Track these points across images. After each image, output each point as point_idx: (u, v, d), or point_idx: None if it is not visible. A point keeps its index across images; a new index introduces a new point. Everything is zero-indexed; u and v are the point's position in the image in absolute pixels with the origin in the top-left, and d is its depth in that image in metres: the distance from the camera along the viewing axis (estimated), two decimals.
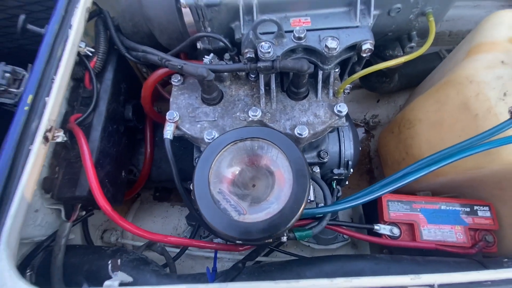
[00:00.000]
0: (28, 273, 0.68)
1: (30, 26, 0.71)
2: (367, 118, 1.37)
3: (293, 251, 1.15)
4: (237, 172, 0.46)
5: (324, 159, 0.88)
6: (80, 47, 0.74)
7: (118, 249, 0.77)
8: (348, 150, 0.95)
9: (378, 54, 0.91)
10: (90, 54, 0.79)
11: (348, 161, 0.94)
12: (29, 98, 0.59)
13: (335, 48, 0.59)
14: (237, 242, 0.59)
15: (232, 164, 0.46)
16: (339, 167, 0.96)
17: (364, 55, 0.62)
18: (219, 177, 0.45)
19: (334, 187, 0.98)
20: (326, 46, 0.59)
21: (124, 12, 0.74)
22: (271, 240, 0.53)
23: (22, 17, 0.70)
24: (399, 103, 1.37)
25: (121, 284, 0.50)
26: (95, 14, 0.82)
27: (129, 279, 0.55)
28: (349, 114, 1.43)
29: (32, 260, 0.71)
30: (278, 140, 0.45)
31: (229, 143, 0.46)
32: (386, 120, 1.36)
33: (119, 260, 0.58)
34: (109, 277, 0.55)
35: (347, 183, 1.06)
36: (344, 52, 0.63)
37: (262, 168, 0.47)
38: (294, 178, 0.42)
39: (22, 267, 0.66)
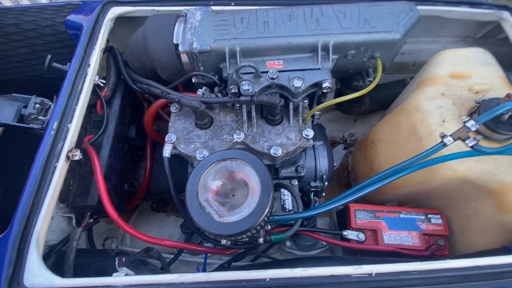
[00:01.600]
0: None
1: (54, 64, 0.87)
2: (345, 136, 1.53)
3: (278, 257, 1.26)
4: (220, 185, 0.60)
5: (301, 173, 1.02)
6: (95, 79, 0.89)
7: (121, 252, 0.90)
8: (323, 165, 1.09)
9: (346, 85, 1.08)
10: (102, 85, 0.94)
11: (323, 175, 1.08)
12: (55, 124, 0.73)
13: (300, 87, 0.74)
14: (221, 240, 0.72)
15: (216, 178, 0.60)
16: (315, 181, 1.09)
17: (325, 91, 0.78)
18: (206, 188, 0.58)
19: (312, 198, 1.12)
20: (293, 85, 0.75)
21: (132, 52, 0.90)
22: (248, 239, 0.67)
23: (49, 56, 0.85)
24: (374, 122, 1.53)
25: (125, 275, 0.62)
26: (107, 50, 0.98)
27: (132, 273, 0.68)
28: (329, 133, 1.59)
29: (46, 261, 0.82)
30: (251, 160, 0.59)
31: (214, 162, 0.60)
32: (362, 138, 1.51)
33: (124, 258, 0.71)
34: (116, 271, 0.67)
35: (323, 194, 1.19)
36: (309, 88, 0.79)
37: (239, 181, 0.62)
38: (261, 190, 0.56)
39: None
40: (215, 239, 0.84)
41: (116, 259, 0.68)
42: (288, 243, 1.20)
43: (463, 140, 0.71)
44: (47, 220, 0.65)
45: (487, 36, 1.27)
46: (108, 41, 1.09)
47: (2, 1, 2.24)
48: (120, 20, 1.01)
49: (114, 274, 0.63)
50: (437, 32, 1.26)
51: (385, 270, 0.60)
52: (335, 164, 1.13)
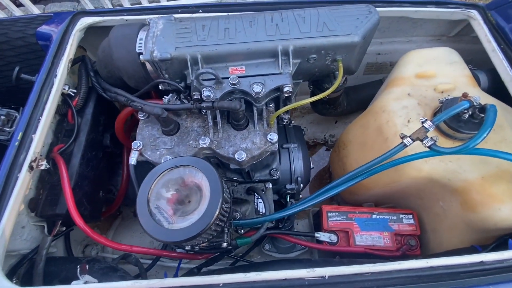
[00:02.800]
0: (14, 281, 0.81)
1: (23, 75, 0.88)
2: (327, 138, 1.53)
3: (257, 260, 1.27)
4: (173, 192, 0.61)
5: (274, 176, 1.03)
6: (64, 89, 0.90)
7: (93, 259, 0.90)
8: (298, 167, 1.09)
9: (318, 87, 1.08)
10: (73, 94, 0.95)
11: (298, 177, 1.09)
12: (19, 135, 0.75)
13: (260, 92, 0.75)
14: (185, 246, 0.73)
15: (169, 186, 0.61)
16: (291, 183, 1.10)
17: (286, 95, 0.79)
18: (158, 196, 0.59)
19: (288, 200, 1.12)
20: (253, 90, 0.76)
21: (100, 61, 0.91)
22: (203, 243, 0.67)
23: (16, 68, 0.87)
24: None
25: (85, 283, 0.63)
26: (79, 60, 1.00)
27: (94, 280, 0.68)
28: (310, 134, 1.59)
29: (18, 269, 0.83)
30: (201, 166, 0.60)
31: (166, 169, 0.61)
32: None
33: (87, 266, 0.72)
34: (77, 279, 0.68)
35: (300, 196, 1.20)
36: (270, 93, 0.79)
37: (193, 188, 0.62)
38: (210, 195, 0.57)
39: (10, 276, 0.79)
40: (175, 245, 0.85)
41: (78, 266, 0.69)
42: (267, 246, 1.21)
43: (421, 141, 0.72)
44: (7, 231, 0.66)
45: (461, 34, 1.27)
46: (85, 50, 1.11)
47: None
48: (94, 29, 1.02)
49: (73, 282, 0.63)
50: (411, 32, 1.27)
51: (338, 273, 0.60)
52: (313, 166, 1.12)
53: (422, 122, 0.72)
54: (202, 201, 0.59)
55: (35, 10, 2.33)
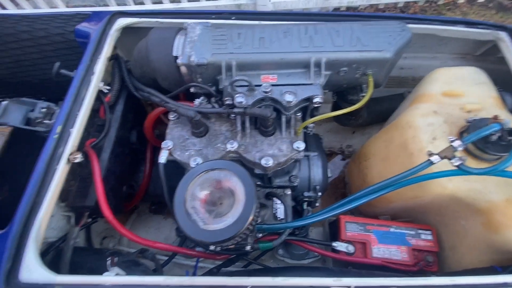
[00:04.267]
0: None
1: (62, 71, 0.92)
2: (343, 148, 1.54)
3: (271, 264, 1.28)
4: (207, 193, 0.63)
5: (294, 183, 1.04)
6: (99, 86, 0.94)
7: (115, 252, 0.93)
8: (317, 176, 1.11)
9: (342, 98, 1.10)
10: (106, 91, 0.99)
11: (316, 186, 1.10)
12: (58, 129, 0.78)
13: (291, 101, 0.77)
14: (210, 247, 0.75)
15: (204, 187, 0.63)
16: (308, 191, 1.11)
17: (316, 105, 0.81)
18: (193, 197, 0.61)
19: (305, 208, 1.13)
20: (285, 99, 0.78)
21: (136, 61, 0.95)
22: (233, 246, 0.69)
23: (57, 64, 0.91)
24: (372, 135, 1.54)
25: (116, 275, 0.66)
26: (112, 58, 1.03)
27: (123, 273, 0.71)
28: (327, 143, 1.61)
29: (44, 257, 0.86)
30: (237, 171, 0.62)
31: (202, 172, 0.63)
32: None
33: (116, 258, 0.74)
34: (107, 271, 0.70)
35: (317, 204, 1.21)
36: (300, 102, 0.81)
37: (227, 191, 0.64)
38: (245, 200, 0.59)
39: None
40: (203, 245, 0.87)
41: (108, 259, 0.71)
42: (280, 251, 1.22)
43: (449, 159, 0.73)
44: (46, 219, 0.69)
45: (487, 54, 1.28)
46: (116, 48, 1.15)
47: (25, 6, 2.37)
48: (127, 30, 1.06)
49: (105, 273, 0.66)
50: (436, 49, 1.28)
51: (364, 284, 0.61)
52: (330, 175, 1.14)
53: (451, 141, 0.73)
54: (236, 204, 0.61)
55: (59, 2, 2.40)
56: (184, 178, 0.62)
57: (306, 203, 1.15)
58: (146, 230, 1.38)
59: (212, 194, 0.64)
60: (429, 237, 0.97)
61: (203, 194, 0.63)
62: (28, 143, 1.25)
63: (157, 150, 1.23)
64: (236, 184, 0.62)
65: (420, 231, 0.98)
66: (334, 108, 1.21)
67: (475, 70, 0.98)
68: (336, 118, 1.36)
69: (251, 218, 0.57)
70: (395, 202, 1.03)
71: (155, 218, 1.44)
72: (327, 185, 1.19)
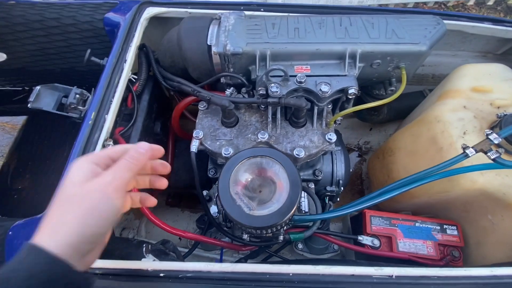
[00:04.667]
0: None
1: (93, 58, 0.92)
2: (360, 144, 1.54)
3: (289, 258, 1.28)
4: (249, 180, 0.63)
5: (318, 177, 1.04)
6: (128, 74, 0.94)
7: (142, 241, 0.93)
8: (340, 170, 1.11)
9: (367, 93, 1.10)
10: (134, 80, 0.98)
11: (339, 180, 1.10)
12: (93, 115, 0.78)
13: (327, 92, 0.77)
14: (243, 235, 0.75)
15: (246, 173, 0.63)
16: (331, 185, 1.11)
17: (350, 97, 0.81)
18: (236, 182, 0.61)
19: (327, 202, 1.13)
20: (320, 89, 0.78)
21: (165, 51, 0.95)
22: (271, 234, 0.69)
23: (88, 50, 0.91)
24: (389, 132, 1.55)
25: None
26: (140, 48, 1.03)
27: (157, 260, 0.71)
28: (344, 140, 1.61)
29: None
30: (280, 159, 0.62)
31: (245, 158, 0.63)
32: (377, 146, 1.53)
33: (150, 245, 0.74)
34: (143, 257, 0.70)
35: (338, 199, 1.21)
36: (334, 94, 0.81)
37: (267, 178, 0.64)
38: (290, 187, 0.59)
39: None
40: (234, 234, 0.87)
41: (143, 245, 0.71)
42: (300, 246, 1.22)
43: (485, 153, 0.73)
44: None
45: (508, 53, 1.28)
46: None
47: None
48: (152, 20, 1.06)
49: (143, 259, 0.66)
50: (458, 46, 1.28)
51: (405, 273, 0.62)
52: (352, 170, 1.14)
53: (487, 135, 0.73)
54: (278, 191, 0.61)
55: None
56: (227, 163, 0.62)
57: (327, 197, 1.15)
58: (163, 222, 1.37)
59: (253, 181, 0.64)
60: (455, 232, 0.97)
61: (245, 180, 0.63)
62: (48, 132, 1.25)
63: (178, 141, 1.24)
64: (278, 171, 0.62)
65: (445, 226, 0.98)
66: (357, 104, 1.21)
67: (503, 66, 0.98)
68: (358, 113, 1.36)
69: (297, 204, 0.57)
70: (419, 197, 1.03)
71: (171, 211, 1.44)
72: (349, 180, 1.20)
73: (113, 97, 0.81)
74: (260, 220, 0.56)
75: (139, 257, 0.72)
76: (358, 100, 1.20)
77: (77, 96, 0.80)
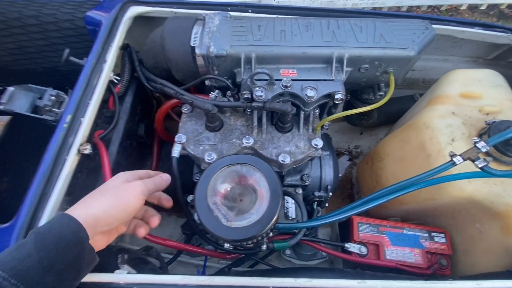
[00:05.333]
0: None
1: (72, 58, 0.88)
2: (351, 148, 1.53)
3: (276, 264, 1.25)
4: (228, 189, 0.61)
5: (306, 182, 1.02)
6: (109, 76, 0.90)
7: (122, 249, 0.89)
8: (328, 175, 1.09)
9: (357, 97, 1.08)
10: (116, 81, 0.95)
11: (327, 186, 1.08)
12: (68, 118, 0.74)
13: (313, 97, 0.75)
14: (225, 245, 0.72)
15: (225, 182, 0.60)
16: (319, 190, 1.09)
17: (337, 102, 0.78)
18: (214, 192, 0.59)
19: (315, 208, 1.11)
20: (306, 94, 0.75)
21: (149, 51, 0.91)
22: (252, 245, 0.67)
23: (67, 50, 0.87)
24: (380, 136, 1.53)
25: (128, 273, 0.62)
26: (123, 48, 0.99)
27: (134, 272, 0.67)
28: (334, 143, 1.59)
29: None
30: (261, 166, 0.59)
31: (224, 166, 0.60)
32: (367, 150, 1.51)
33: (126, 255, 0.71)
34: (117, 268, 0.67)
35: (327, 205, 1.19)
36: (321, 99, 0.79)
37: (248, 187, 0.62)
38: (270, 196, 0.56)
39: None
40: (218, 242, 0.84)
41: (119, 256, 0.68)
42: (288, 252, 1.19)
43: (473, 161, 0.71)
44: (54, 213, 0.65)
45: (499, 58, 1.28)
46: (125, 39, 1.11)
47: None
48: (137, 19, 1.02)
49: (117, 271, 0.63)
50: (449, 51, 1.27)
51: (390, 287, 0.59)
52: (340, 175, 1.12)
53: (475, 143, 0.72)
54: (258, 201, 0.59)
55: None
56: (205, 172, 0.59)
57: (316, 203, 1.13)
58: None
59: (233, 190, 0.61)
60: (443, 240, 0.96)
61: (224, 189, 0.60)
62: (30, 133, 1.20)
63: (163, 145, 1.20)
64: (259, 180, 0.60)
65: (433, 234, 0.97)
66: (347, 107, 1.19)
67: (493, 72, 0.98)
68: (347, 118, 1.35)
69: (277, 215, 0.55)
70: (407, 204, 1.01)
71: None
72: (337, 185, 1.18)
73: (90, 99, 0.78)
74: (237, 232, 0.53)
75: (115, 267, 0.69)
76: (348, 105, 1.19)
77: (52, 97, 0.77)
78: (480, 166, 0.71)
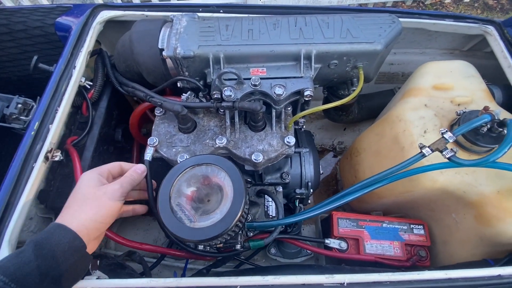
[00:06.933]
0: None
1: (41, 65, 0.87)
2: (335, 144, 1.53)
3: (263, 264, 1.25)
4: (194, 190, 0.60)
5: (285, 180, 1.02)
6: (80, 81, 0.89)
7: (100, 255, 0.88)
8: (309, 172, 1.09)
9: (333, 93, 1.09)
10: (88, 87, 0.94)
11: (308, 182, 1.08)
12: (36, 125, 0.74)
13: (281, 94, 0.75)
14: (198, 246, 0.72)
15: (190, 183, 0.60)
16: (300, 188, 1.09)
17: (306, 99, 0.79)
18: (179, 193, 0.58)
19: (297, 205, 1.11)
20: (274, 92, 0.76)
21: (119, 55, 0.91)
22: (221, 244, 0.66)
23: (35, 58, 0.86)
24: (363, 131, 1.54)
25: (97, 279, 0.62)
26: (96, 53, 0.99)
27: (105, 277, 0.67)
28: (318, 140, 1.60)
29: None
30: (225, 166, 0.59)
31: (188, 167, 0.60)
32: None
33: (98, 261, 0.70)
34: (88, 274, 0.66)
35: (309, 202, 1.19)
36: (290, 96, 0.79)
37: (214, 187, 0.62)
38: (233, 195, 0.56)
39: None
40: (190, 245, 0.84)
41: (91, 262, 0.67)
42: (272, 250, 1.20)
43: (441, 151, 0.72)
44: (20, 221, 0.65)
45: (474, 49, 1.29)
46: (99, 43, 1.11)
47: (3, 1, 2.28)
48: (111, 23, 1.02)
49: (86, 277, 0.62)
50: (425, 44, 1.28)
51: (357, 280, 0.60)
52: (322, 172, 1.12)
53: (443, 133, 0.72)
54: (224, 201, 0.58)
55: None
56: (169, 173, 0.59)
57: (298, 200, 1.13)
58: (134, 231, 1.33)
59: (199, 190, 0.61)
60: (422, 232, 0.96)
61: (189, 190, 0.60)
62: (4, 141, 1.19)
63: (143, 148, 1.20)
64: (224, 179, 0.60)
65: (412, 226, 0.97)
66: (326, 103, 1.20)
67: (464, 63, 0.98)
68: (327, 114, 1.35)
69: (239, 214, 0.55)
70: (385, 198, 1.02)
71: (143, 219, 1.40)
72: (319, 181, 1.18)
73: (59, 105, 0.77)
74: (199, 232, 0.53)
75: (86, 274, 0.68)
76: (326, 101, 1.19)
77: (19, 105, 0.76)
78: (447, 156, 0.71)
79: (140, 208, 0.74)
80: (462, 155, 0.81)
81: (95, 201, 0.57)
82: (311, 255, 1.22)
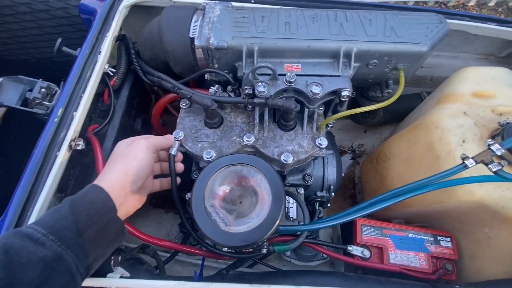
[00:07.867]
0: None
1: (64, 48, 0.84)
2: (354, 147, 1.49)
3: (276, 265, 1.23)
4: (227, 190, 0.57)
5: (308, 182, 0.98)
6: (104, 68, 0.86)
7: (117, 248, 0.86)
8: (331, 175, 1.05)
9: (363, 94, 1.04)
10: (111, 74, 0.91)
11: (330, 186, 1.05)
12: (60, 111, 0.70)
13: (318, 93, 0.71)
14: (223, 249, 0.69)
15: (224, 183, 0.56)
16: (322, 190, 1.06)
17: (343, 99, 0.74)
18: (212, 194, 0.55)
19: (317, 208, 1.08)
20: (311, 90, 0.71)
21: (146, 42, 0.87)
22: (252, 249, 0.63)
23: (59, 40, 0.82)
24: (384, 135, 1.49)
25: (120, 277, 0.59)
26: (119, 39, 0.95)
27: (127, 274, 0.64)
28: (337, 142, 1.55)
29: None
30: (263, 167, 0.56)
31: (223, 166, 0.56)
32: (371, 149, 1.47)
33: (119, 257, 0.68)
34: (111, 271, 0.64)
35: (329, 205, 1.15)
36: (326, 96, 0.75)
37: (248, 189, 0.58)
38: (272, 200, 0.53)
39: None
40: (215, 246, 0.81)
41: (112, 257, 0.65)
42: (288, 253, 1.16)
43: (486, 164, 0.67)
44: (43, 210, 0.62)
45: (510, 56, 1.23)
46: (120, 29, 1.06)
47: None
48: (135, 8, 0.98)
49: (109, 274, 0.59)
50: (460, 48, 1.22)
51: None
52: (343, 174, 1.09)
53: (489, 145, 0.68)
54: (259, 204, 0.55)
55: None
56: (203, 172, 0.55)
57: (318, 203, 1.10)
58: (146, 224, 1.31)
59: (232, 191, 0.57)
60: (449, 244, 0.92)
61: (223, 191, 0.56)
62: (25, 126, 1.17)
63: None
64: (260, 182, 0.56)
65: (439, 237, 0.93)
66: (352, 105, 1.15)
67: (507, 71, 0.93)
68: (352, 116, 1.30)
69: (279, 220, 0.51)
70: (412, 207, 0.98)
71: (155, 212, 1.37)
72: (340, 185, 1.14)
73: (83, 92, 0.74)
74: (236, 238, 0.50)
75: (109, 269, 0.66)
76: (353, 102, 1.14)
77: (43, 90, 0.73)
78: (494, 170, 0.67)
79: (167, 182, 0.75)
80: (506, 169, 0.76)
81: (122, 157, 0.58)
82: (327, 259, 1.19)
